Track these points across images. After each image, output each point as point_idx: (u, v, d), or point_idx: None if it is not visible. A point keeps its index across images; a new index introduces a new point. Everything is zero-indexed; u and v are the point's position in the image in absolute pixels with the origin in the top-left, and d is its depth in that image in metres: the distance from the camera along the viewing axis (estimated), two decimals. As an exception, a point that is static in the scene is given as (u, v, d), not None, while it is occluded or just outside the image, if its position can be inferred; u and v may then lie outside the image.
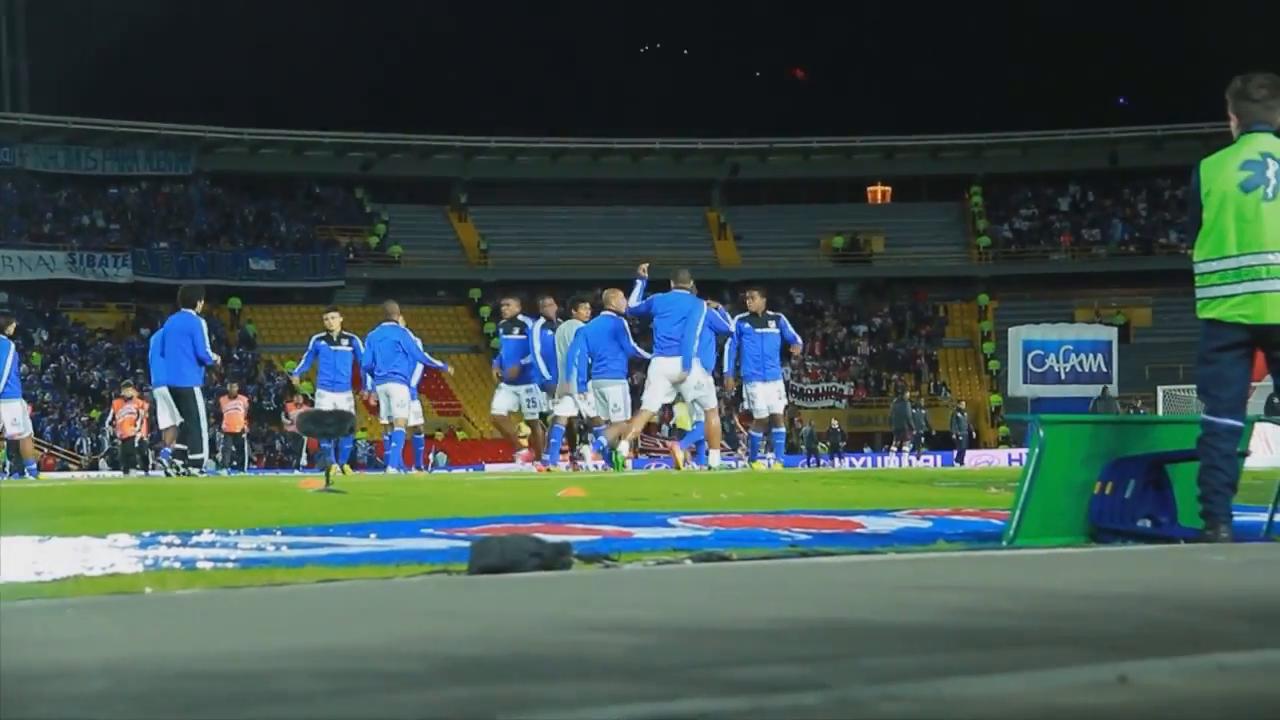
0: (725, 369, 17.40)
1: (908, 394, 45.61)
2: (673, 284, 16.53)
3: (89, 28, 63.54)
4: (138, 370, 51.80)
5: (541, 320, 17.93)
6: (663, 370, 16.26)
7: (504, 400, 18.07)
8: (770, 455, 17.88)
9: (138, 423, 32.68)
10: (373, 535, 5.10)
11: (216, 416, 38.97)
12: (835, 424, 45.83)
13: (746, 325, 17.41)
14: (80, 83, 62.74)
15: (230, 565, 4.11)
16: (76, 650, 2.58)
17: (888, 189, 65.77)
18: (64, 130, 57.09)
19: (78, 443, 47.37)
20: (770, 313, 17.87)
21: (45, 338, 53.06)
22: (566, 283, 60.66)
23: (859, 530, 5.87)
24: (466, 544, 4.36)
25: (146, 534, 5.00)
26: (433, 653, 2.56)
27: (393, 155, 61.60)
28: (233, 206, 60.19)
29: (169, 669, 2.37)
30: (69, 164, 57.48)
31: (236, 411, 32.65)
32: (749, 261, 62.18)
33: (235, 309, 56.29)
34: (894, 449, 37.21)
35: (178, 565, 4.06)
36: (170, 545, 4.65)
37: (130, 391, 34.60)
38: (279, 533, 5.17)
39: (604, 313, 17.18)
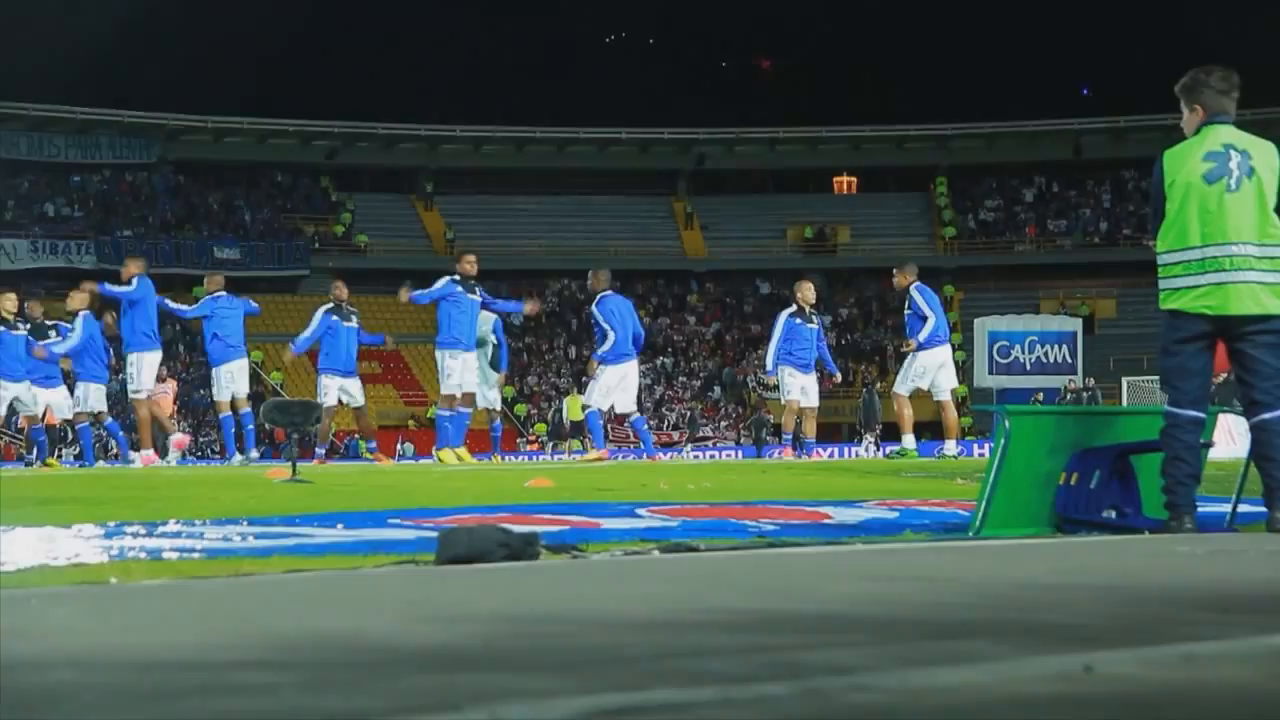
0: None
1: (876, 385, 45.71)
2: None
3: (53, 14, 63.11)
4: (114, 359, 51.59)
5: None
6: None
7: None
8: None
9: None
10: (340, 525, 5.09)
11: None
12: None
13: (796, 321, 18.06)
14: (43, 69, 62.34)
15: (196, 555, 4.10)
16: (41, 641, 2.57)
17: (854, 180, 65.92)
18: (26, 117, 56.72)
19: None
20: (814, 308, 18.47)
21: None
22: (533, 272, 60.68)
23: (826, 521, 5.89)
24: (434, 534, 4.36)
25: (111, 524, 4.98)
26: (400, 643, 2.55)
27: (358, 144, 61.43)
28: (197, 195, 59.96)
29: (135, 660, 2.36)
30: (31, 151, 57.13)
31: (165, 396, 32.43)
32: (716, 252, 62.26)
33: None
34: (869, 441, 37.32)
35: (143, 555, 4.05)
36: (136, 535, 4.63)
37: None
38: (245, 523, 5.15)
39: None
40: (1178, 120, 6.07)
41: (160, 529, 4.87)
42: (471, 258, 17.91)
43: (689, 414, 46.41)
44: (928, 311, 16.15)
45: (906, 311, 16.54)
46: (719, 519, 5.79)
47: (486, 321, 18.11)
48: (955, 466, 11.06)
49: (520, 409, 55.81)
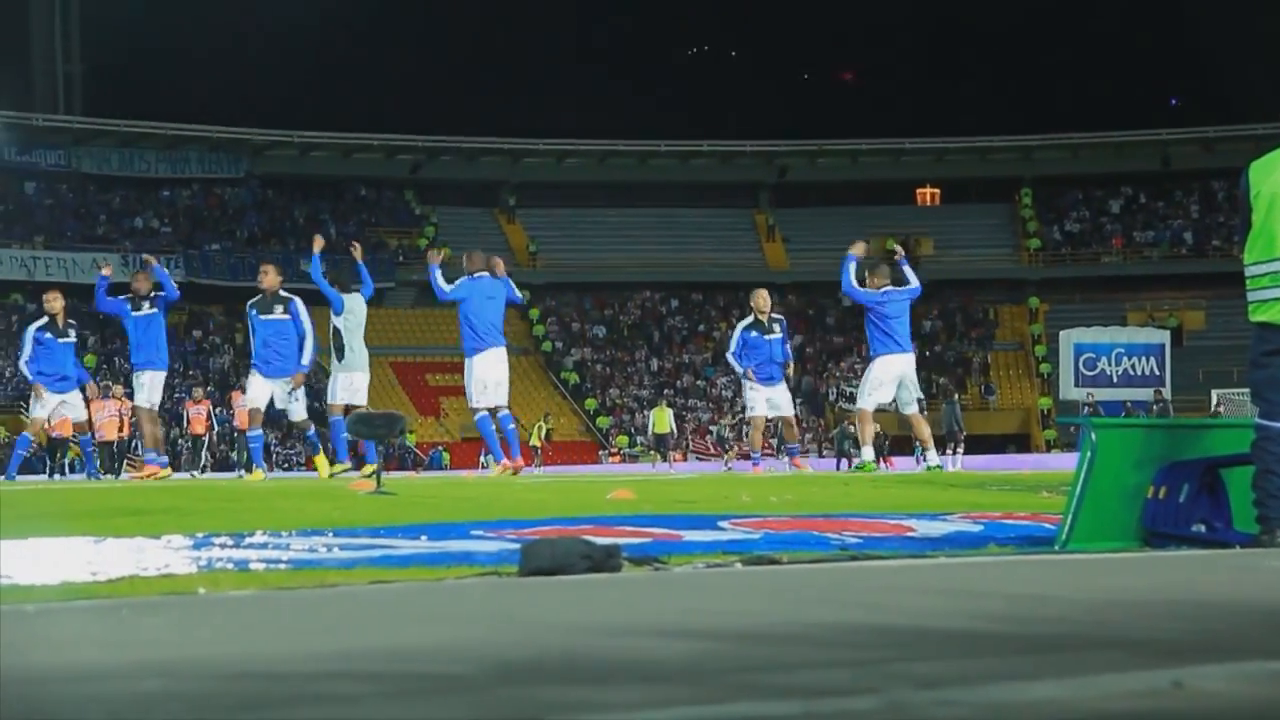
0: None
1: (958, 397, 45.38)
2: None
3: (142, 31, 64.05)
4: (190, 372, 52.17)
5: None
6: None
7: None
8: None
9: (209, 422, 32.93)
10: (423, 537, 5.11)
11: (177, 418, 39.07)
12: (879, 427, 45.55)
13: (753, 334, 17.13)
14: (133, 86, 63.28)
15: (282, 567, 4.13)
16: (132, 651, 2.60)
17: (937, 191, 65.54)
18: (117, 133, 57.52)
19: (133, 444, 47.67)
20: (775, 316, 17.57)
21: (99, 340, 53.47)
22: (615, 285, 60.76)
23: (910, 534, 5.85)
24: (517, 546, 4.37)
25: (200, 535, 5.03)
26: (483, 655, 2.56)
27: (441, 157, 61.84)
28: (283, 209, 60.55)
29: (222, 670, 2.38)
30: (122, 166, 57.93)
31: (200, 415, 32.92)
32: (797, 264, 62.10)
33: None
34: (948, 452, 37.10)
35: (231, 566, 4.09)
36: (224, 546, 4.68)
37: (199, 393, 34.84)
38: (331, 534, 5.19)
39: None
40: (1268, 130, 5.99)
41: (247, 540, 4.92)
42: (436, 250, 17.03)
43: (778, 426, 46.19)
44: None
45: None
46: (801, 531, 5.76)
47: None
48: (1040, 479, 10.94)
49: (603, 421, 55.90)
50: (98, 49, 64.15)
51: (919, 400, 15.96)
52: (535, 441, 45.68)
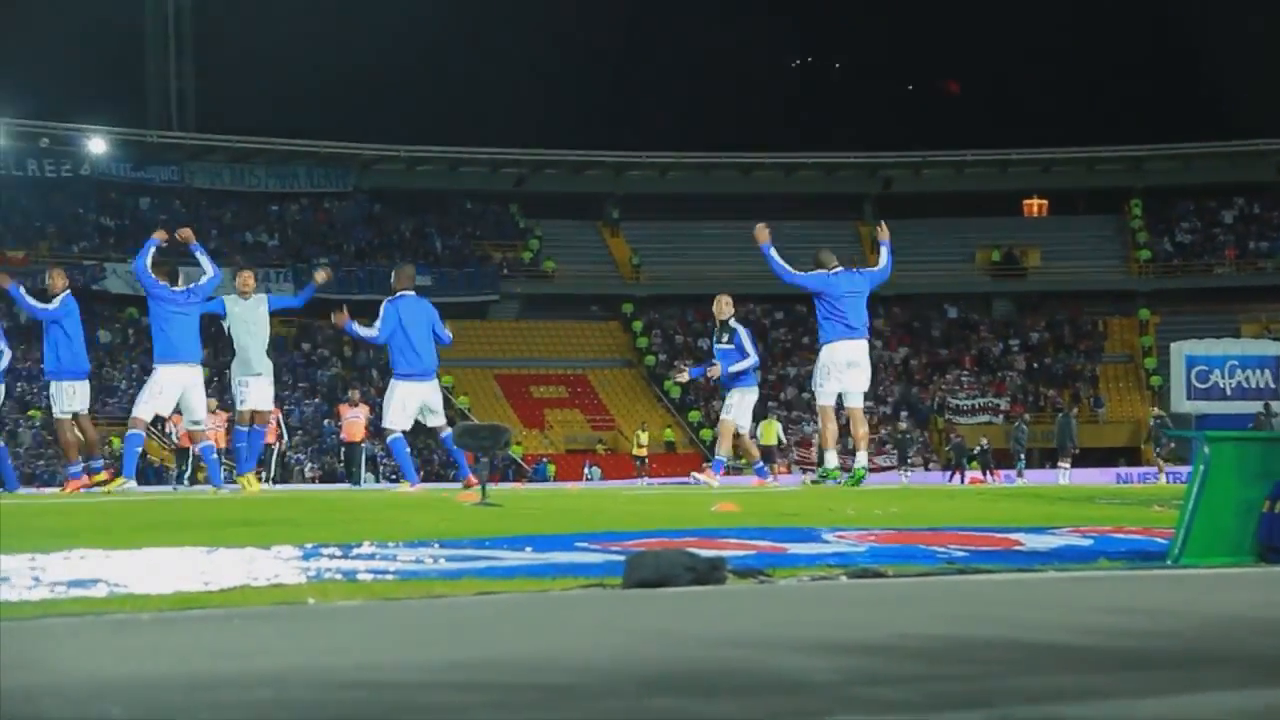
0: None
1: (1071, 410, 44.87)
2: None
3: (252, 49, 65.02)
4: (301, 385, 52.83)
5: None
6: None
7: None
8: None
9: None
10: (528, 548, 5.13)
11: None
12: (985, 441, 45.22)
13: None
14: (243, 102, 64.23)
15: (390, 577, 4.16)
16: (243, 660, 2.63)
17: (1044, 202, 64.90)
18: (228, 149, 58.43)
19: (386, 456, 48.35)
20: (732, 325, 16.35)
21: (211, 353, 54.23)
22: (711, 298, 60.85)
23: (1018, 548, 5.79)
24: (621, 558, 4.38)
25: (309, 546, 5.09)
26: (589, 665, 2.57)
27: (546, 171, 62.18)
28: (390, 222, 61.15)
29: (331, 679, 2.41)
30: (233, 181, 58.82)
31: (357, 420, 32.53)
32: (902, 276, 61.46)
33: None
34: (1061, 466, 36.74)
35: (339, 577, 4.13)
36: (332, 557, 4.72)
37: (355, 394, 34.73)
38: (437, 545, 5.22)
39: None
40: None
41: (355, 551, 4.96)
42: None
43: (900, 438, 46.00)
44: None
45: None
46: (907, 545, 5.72)
47: None
48: (1151, 493, 10.79)
49: (706, 434, 55.86)
50: (209, 66, 65.21)
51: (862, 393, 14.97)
52: (637, 452, 45.73)
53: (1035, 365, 58.20)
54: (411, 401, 14.78)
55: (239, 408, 15.73)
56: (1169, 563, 5.33)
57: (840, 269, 14.78)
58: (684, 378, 15.87)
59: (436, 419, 15.11)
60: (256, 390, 15.58)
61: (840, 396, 14.93)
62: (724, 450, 16.44)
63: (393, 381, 15.00)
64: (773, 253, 14.77)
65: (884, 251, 15.15)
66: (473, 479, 15.32)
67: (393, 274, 15.58)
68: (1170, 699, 2.24)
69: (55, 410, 15.68)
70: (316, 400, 50.77)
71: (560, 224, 62.19)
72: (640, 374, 58.26)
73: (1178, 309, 57.72)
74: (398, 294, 15.14)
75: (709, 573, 4.08)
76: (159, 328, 14.60)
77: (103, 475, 14.87)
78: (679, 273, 60.54)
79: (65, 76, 64.20)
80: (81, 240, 55.70)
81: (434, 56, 70.75)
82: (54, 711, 2.06)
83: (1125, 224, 61.94)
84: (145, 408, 14.62)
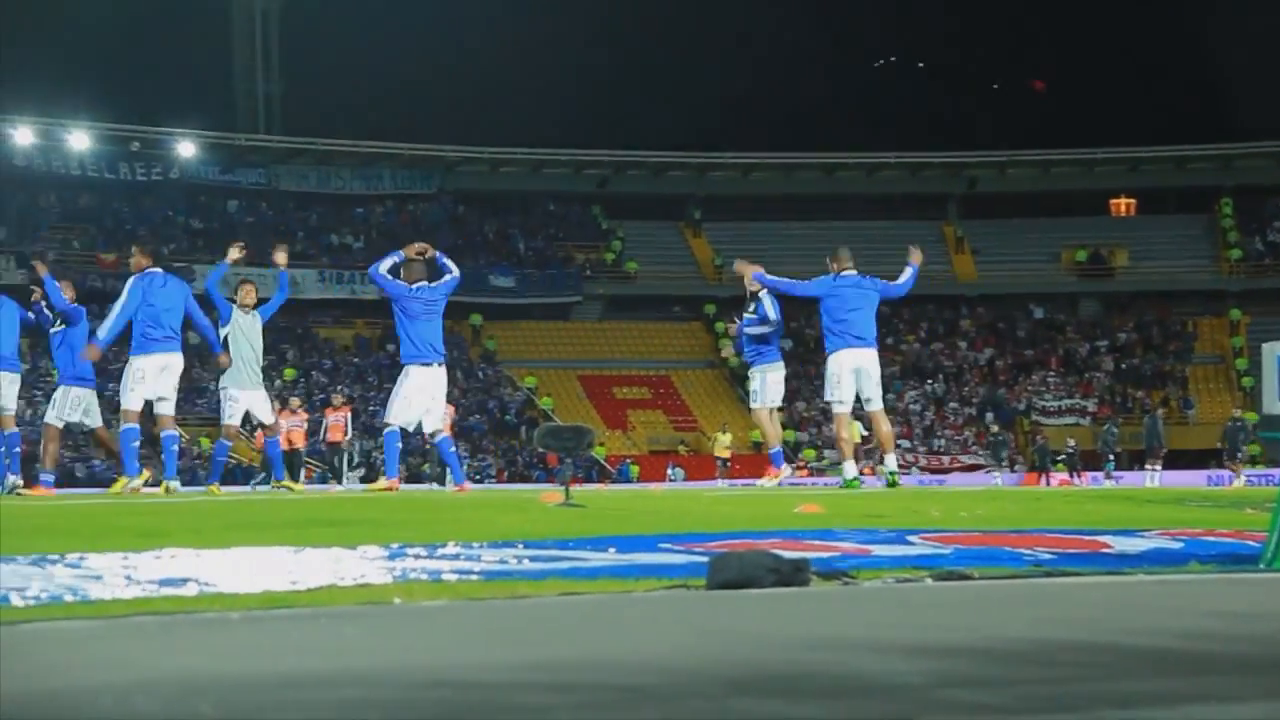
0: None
1: (1159, 411, 44.32)
2: None
3: (338, 53, 65.58)
4: (385, 385, 53.22)
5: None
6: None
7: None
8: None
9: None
10: (612, 549, 5.14)
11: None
12: (1072, 442, 44.76)
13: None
14: (329, 105, 64.80)
15: (474, 577, 4.19)
16: (331, 658, 2.66)
17: (1132, 201, 64.16)
18: (314, 151, 58.96)
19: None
20: (760, 295, 15.88)
21: (297, 354, 54.80)
22: (800, 298, 60.61)
23: (1106, 550, 5.73)
24: (704, 559, 4.38)
25: (395, 545, 5.12)
26: (672, 666, 2.57)
27: (628, 172, 62.26)
28: (474, 224, 61.46)
29: (417, 678, 2.42)
30: (319, 184, 59.34)
31: (338, 423, 33.00)
32: (987, 276, 61.26)
33: (476, 325, 57.46)
34: (1148, 466, 36.34)
35: (425, 577, 4.16)
36: (417, 557, 4.75)
37: (338, 399, 35.31)
38: (521, 546, 5.24)
39: None
40: None
41: (440, 551, 4.99)
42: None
43: (994, 439, 45.72)
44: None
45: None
46: (993, 547, 5.67)
47: None
48: (1243, 495, 10.64)
49: (789, 435, 55.70)
50: (296, 70, 65.84)
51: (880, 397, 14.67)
52: (719, 453, 45.66)
53: (1123, 366, 57.54)
54: (417, 396, 14.43)
55: (227, 421, 15.52)
56: (1261, 566, 5.25)
57: (850, 272, 14.68)
58: (749, 270, 15.42)
59: (433, 422, 14.73)
60: (255, 403, 15.46)
61: (861, 403, 14.67)
62: (773, 439, 16.04)
63: (404, 370, 14.59)
64: (768, 277, 14.92)
65: (908, 272, 15.07)
66: (466, 485, 15.29)
67: (400, 271, 15.29)
68: (1260, 705, 2.21)
69: (51, 415, 15.47)
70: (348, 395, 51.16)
71: (643, 225, 62.25)
72: (723, 375, 58.14)
73: (1269, 309, 56.88)
74: (412, 286, 14.91)
75: (793, 574, 4.07)
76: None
77: (146, 475, 14.57)
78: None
79: (155, 81, 65.10)
80: (171, 243, 56.42)
81: (517, 59, 71.04)
82: (146, 709, 2.09)
83: (1215, 223, 61.12)
84: (132, 397, 14.18)
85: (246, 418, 15.81)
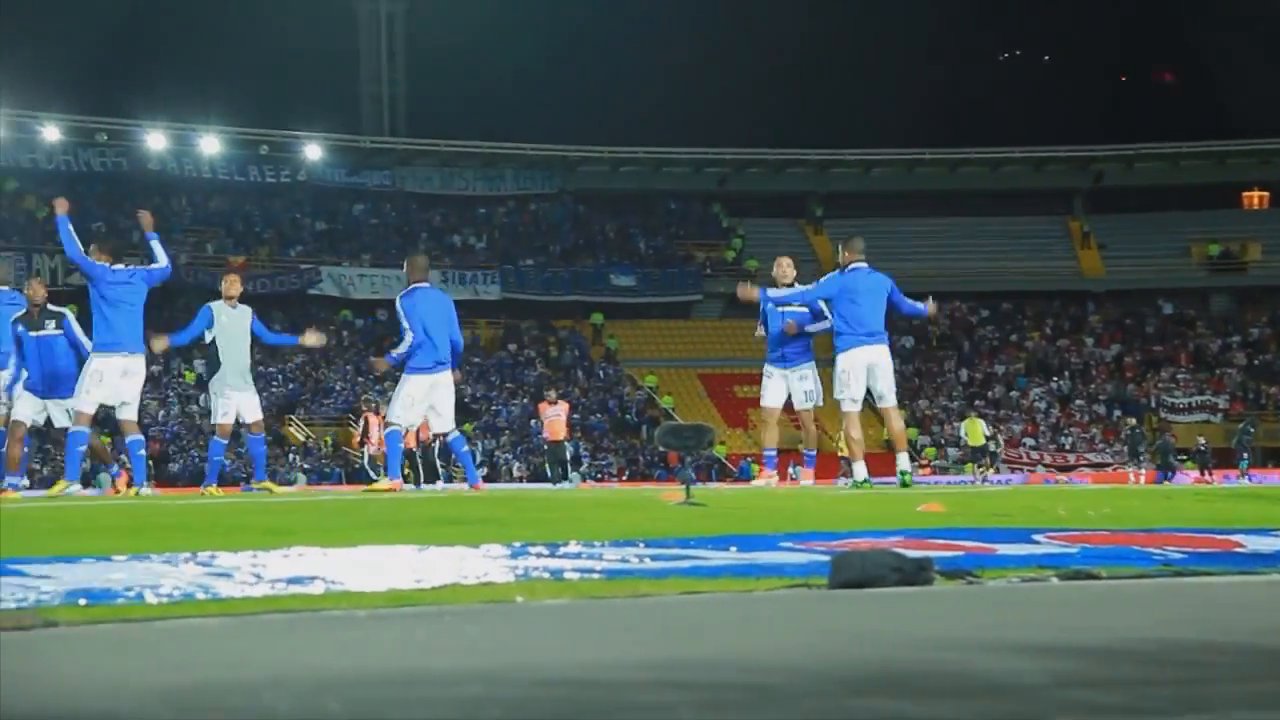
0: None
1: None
2: None
3: (460, 55, 66.14)
4: (507, 385, 53.59)
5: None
6: None
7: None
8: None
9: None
10: (733, 548, 5.14)
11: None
12: (1203, 440, 43.95)
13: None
14: (452, 106, 65.39)
15: (596, 576, 4.20)
16: (454, 656, 2.68)
17: (1265, 194, 62.85)
18: (438, 153, 59.51)
19: (453, 455, 49.17)
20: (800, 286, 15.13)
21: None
22: (922, 295, 59.99)
23: (1238, 550, 5.62)
24: (826, 558, 4.36)
25: (517, 544, 5.16)
26: (795, 665, 2.56)
27: (749, 170, 62.13)
28: (595, 223, 61.68)
29: (540, 676, 2.44)
30: (443, 185, 59.89)
31: (558, 418, 32.69)
32: (1114, 271, 60.34)
33: (598, 324, 57.64)
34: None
35: (547, 575, 4.18)
36: (539, 556, 4.78)
37: (553, 392, 34.93)
38: (642, 545, 5.26)
39: None
40: None
41: (562, 550, 5.02)
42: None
43: (1131, 433, 45.10)
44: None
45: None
46: (1121, 546, 5.59)
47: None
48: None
49: (911, 433, 55.29)
50: (419, 73, 66.52)
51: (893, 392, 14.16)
52: (840, 452, 45.44)
53: (1255, 362, 56.38)
54: (420, 397, 14.20)
55: (220, 420, 15.14)
56: (1399, 567, 5.12)
57: (860, 264, 14.20)
58: (753, 294, 14.57)
59: (443, 423, 14.52)
60: (244, 403, 15.03)
61: (873, 400, 14.22)
62: (809, 439, 15.63)
63: (404, 375, 14.36)
64: (773, 292, 14.46)
65: (919, 306, 14.65)
66: (480, 485, 15.06)
67: (405, 264, 14.83)
68: (1400, 709, 2.16)
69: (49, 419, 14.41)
70: (524, 400, 51.43)
71: (763, 223, 62.08)
72: (844, 373, 57.73)
73: None
74: (412, 287, 14.49)
75: (916, 573, 4.04)
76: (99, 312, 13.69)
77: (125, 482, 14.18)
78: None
79: (283, 85, 66.11)
80: (298, 244, 57.25)
81: (638, 58, 71.17)
82: (276, 705, 2.13)
83: (1354, 215, 59.80)
84: (86, 400, 13.62)
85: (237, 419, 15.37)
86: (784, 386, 15.22)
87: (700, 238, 61.35)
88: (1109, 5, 75.31)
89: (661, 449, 14.38)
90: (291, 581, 3.87)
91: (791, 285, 15.26)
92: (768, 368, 15.29)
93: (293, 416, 49.27)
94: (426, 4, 65.83)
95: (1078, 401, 56.10)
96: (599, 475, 46.66)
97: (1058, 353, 57.97)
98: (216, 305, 14.98)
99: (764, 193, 62.00)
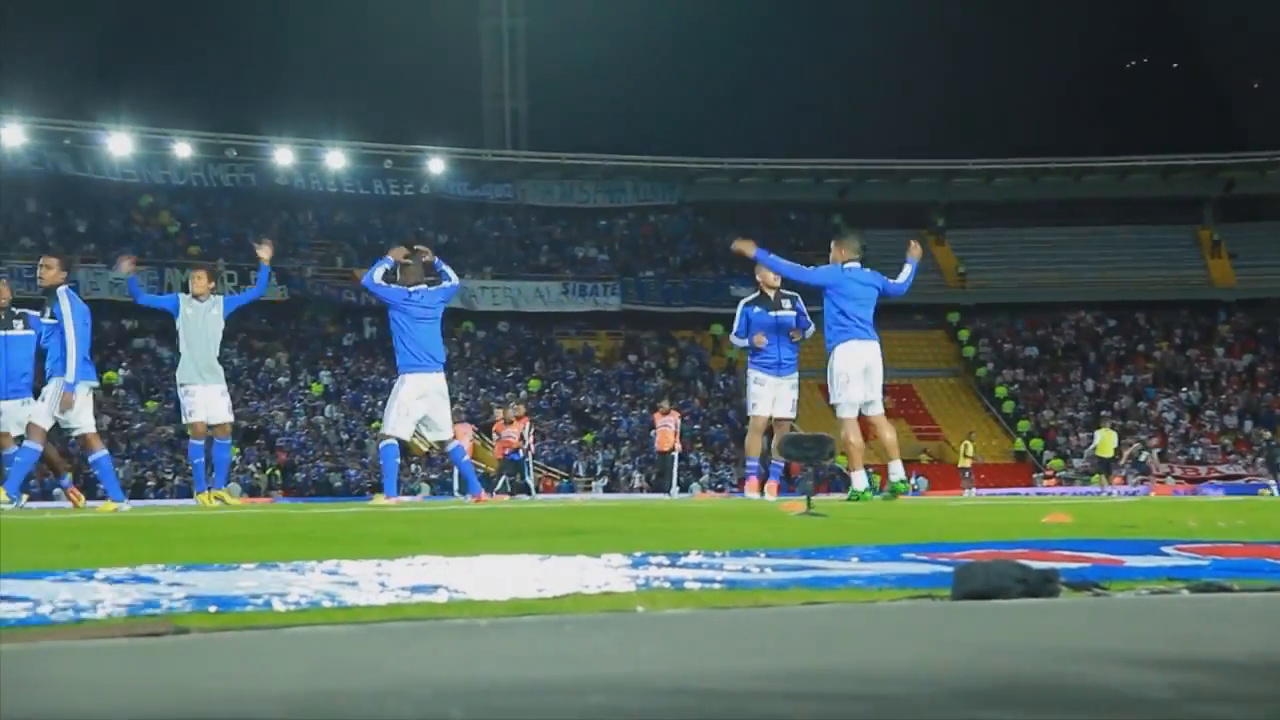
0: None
1: None
2: None
3: (581, 69, 66.52)
4: (626, 395, 53.73)
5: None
6: None
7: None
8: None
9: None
10: (854, 559, 5.11)
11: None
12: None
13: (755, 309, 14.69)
14: (572, 119, 65.78)
15: (717, 586, 4.20)
16: (576, 665, 2.69)
17: None
18: (559, 166, 59.92)
19: (574, 465, 49.47)
20: (787, 291, 14.98)
21: (542, 365, 55.67)
22: (1047, 305, 59.25)
23: (1374, 564, 5.47)
24: (949, 569, 4.32)
25: (638, 554, 5.17)
26: (919, 676, 2.54)
27: (870, 180, 61.84)
28: (714, 235, 61.77)
29: (661, 686, 2.44)
30: (563, 197, 60.31)
31: (667, 429, 32.68)
32: (1245, 281, 59.24)
33: (718, 335, 57.64)
34: None
35: (667, 585, 4.18)
36: (660, 565, 4.79)
37: (665, 403, 35.05)
38: (763, 555, 5.24)
39: None
40: None
41: (683, 559, 5.02)
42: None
43: (1269, 445, 44.23)
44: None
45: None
46: (1255, 559, 5.48)
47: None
48: None
49: (1036, 444, 54.60)
50: (540, 87, 66.99)
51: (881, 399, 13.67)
52: (963, 463, 45.02)
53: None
54: (415, 405, 13.98)
55: (189, 419, 14.73)
56: None
57: (854, 264, 13.76)
58: (750, 248, 13.95)
59: (440, 434, 14.28)
60: (206, 399, 14.64)
61: (861, 407, 13.67)
62: (756, 450, 15.06)
63: (401, 376, 14.08)
64: (770, 256, 13.96)
65: (908, 269, 14.06)
66: (484, 496, 14.76)
67: (397, 273, 14.37)
68: None
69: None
70: (644, 411, 51.57)
71: (884, 233, 61.72)
72: (968, 383, 57.34)
73: None
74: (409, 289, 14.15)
75: (1041, 585, 3.99)
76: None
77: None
78: (1007, 280, 59.34)
79: (407, 101, 66.94)
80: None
81: (757, 70, 71.10)
82: (399, 713, 2.15)
83: None
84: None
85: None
86: (773, 395, 14.74)
87: (821, 249, 60.99)
88: (1238, 10, 73.90)
89: (782, 459, 14.29)
90: (415, 590, 3.90)
91: (774, 290, 15.03)
92: (760, 374, 14.85)
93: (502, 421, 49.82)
94: (548, 19, 66.27)
95: (1208, 412, 55.10)
96: (719, 486, 46.60)
97: (1187, 363, 56.99)
98: (184, 298, 14.70)
99: (885, 203, 61.66)
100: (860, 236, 14.68)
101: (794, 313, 15.01)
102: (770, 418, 14.84)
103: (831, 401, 13.95)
